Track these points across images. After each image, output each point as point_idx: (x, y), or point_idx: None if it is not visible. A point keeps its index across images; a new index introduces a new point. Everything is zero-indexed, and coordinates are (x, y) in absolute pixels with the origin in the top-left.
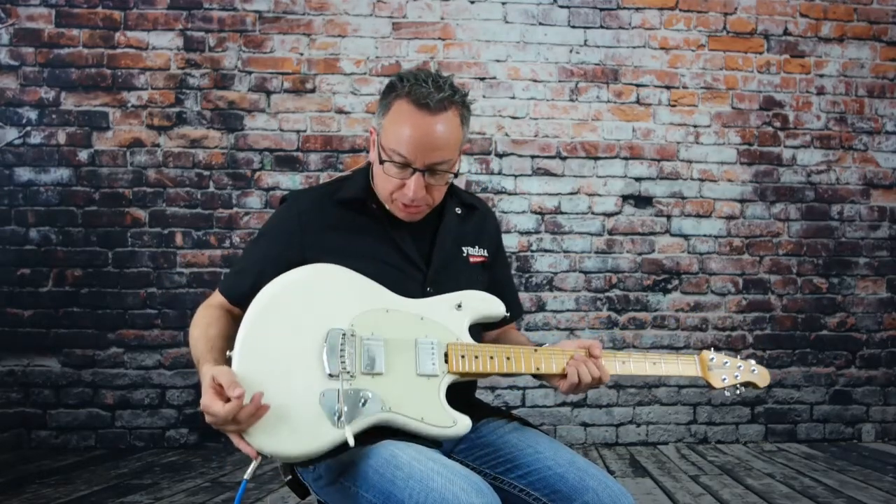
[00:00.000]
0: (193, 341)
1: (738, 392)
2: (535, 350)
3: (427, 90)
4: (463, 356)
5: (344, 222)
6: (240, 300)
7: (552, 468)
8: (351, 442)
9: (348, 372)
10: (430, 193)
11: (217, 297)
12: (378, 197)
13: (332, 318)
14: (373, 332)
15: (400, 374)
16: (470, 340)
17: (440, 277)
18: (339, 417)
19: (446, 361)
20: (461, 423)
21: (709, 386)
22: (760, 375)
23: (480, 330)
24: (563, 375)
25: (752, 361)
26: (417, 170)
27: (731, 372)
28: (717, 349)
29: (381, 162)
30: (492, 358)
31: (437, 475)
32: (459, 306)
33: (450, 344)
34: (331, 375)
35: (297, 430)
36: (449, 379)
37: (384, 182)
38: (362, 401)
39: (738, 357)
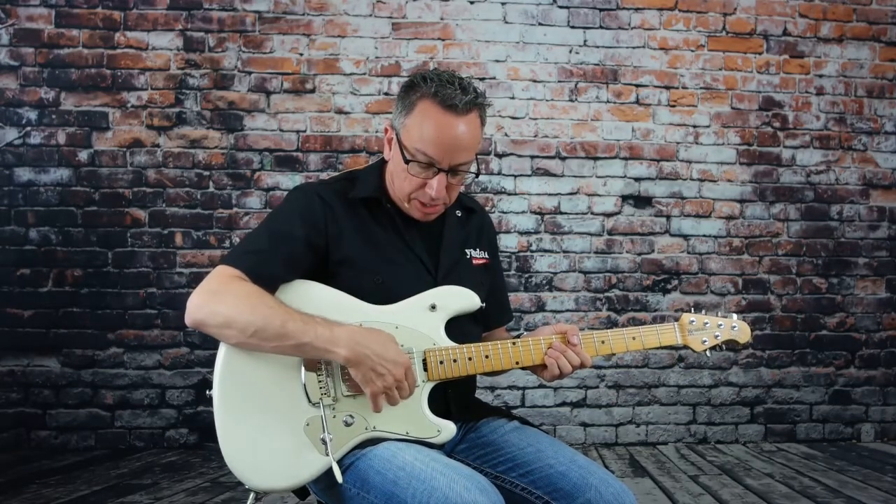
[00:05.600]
0: (263, 308)
1: (720, 350)
2: (514, 343)
3: (454, 91)
4: (441, 362)
5: (360, 220)
6: (270, 281)
7: (554, 466)
8: (340, 480)
9: (330, 396)
10: (448, 193)
11: (229, 272)
12: (392, 196)
13: None
14: None
15: None
16: (447, 343)
17: (448, 280)
18: (326, 445)
19: (425, 369)
20: (445, 431)
21: (690, 350)
22: (741, 331)
23: (465, 323)
24: (545, 365)
25: (734, 317)
26: (441, 170)
27: (712, 332)
28: (697, 310)
29: (406, 161)
30: (470, 359)
31: (440, 475)
32: (433, 307)
33: (427, 350)
34: (313, 403)
35: (286, 464)
36: (430, 385)
37: (404, 182)
38: (347, 423)
39: (718, 314)
